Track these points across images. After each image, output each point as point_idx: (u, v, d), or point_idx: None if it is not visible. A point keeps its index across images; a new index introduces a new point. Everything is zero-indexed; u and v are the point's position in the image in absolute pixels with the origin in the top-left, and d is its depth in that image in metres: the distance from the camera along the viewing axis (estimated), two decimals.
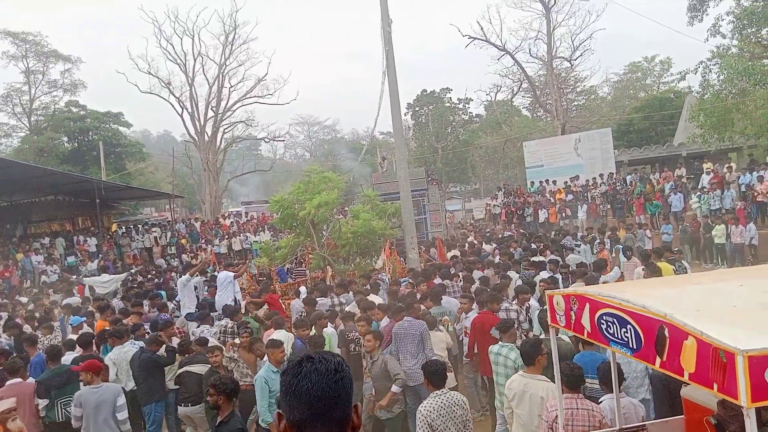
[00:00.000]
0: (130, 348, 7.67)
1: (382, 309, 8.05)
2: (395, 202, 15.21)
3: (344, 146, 57.42)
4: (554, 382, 4.37)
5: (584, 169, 26.82)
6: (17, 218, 26.91)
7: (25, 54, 38.14)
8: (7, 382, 6.44)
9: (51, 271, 20.76)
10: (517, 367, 5.70)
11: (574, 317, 3.63)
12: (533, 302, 8.12)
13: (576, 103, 45.35)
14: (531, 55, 35.80)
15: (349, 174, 28.54)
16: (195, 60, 37.90)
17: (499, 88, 43.05)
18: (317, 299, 9.23)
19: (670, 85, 44.35)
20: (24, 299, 15.21)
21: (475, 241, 17.97)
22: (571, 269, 10.24)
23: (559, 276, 9.65)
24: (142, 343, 7.75)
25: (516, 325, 6.86)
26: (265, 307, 9.61)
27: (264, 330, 8.35)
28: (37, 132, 37.65)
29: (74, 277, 18.37)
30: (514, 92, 42.64)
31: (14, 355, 7.96)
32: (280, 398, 1.59)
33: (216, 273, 13.66)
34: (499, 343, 6.07)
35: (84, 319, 9.86)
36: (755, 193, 16.68)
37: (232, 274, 11.55)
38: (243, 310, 9.71)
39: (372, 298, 9.10)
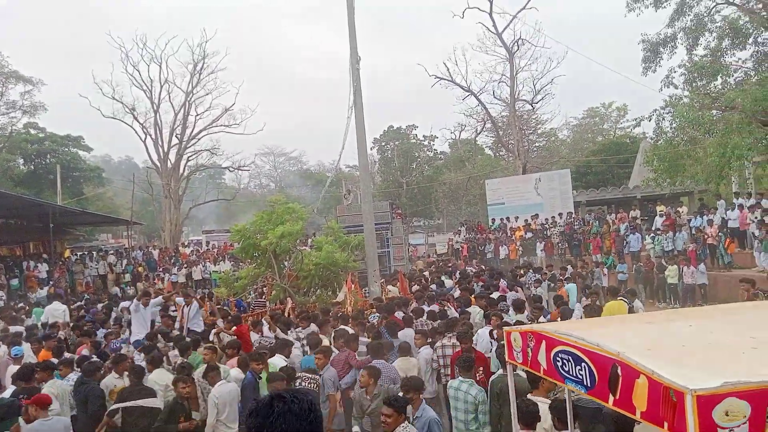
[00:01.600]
0: (62, 383, 7.32)
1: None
2: (359, 234, 15.22)
3: (310, 178, 57.41)
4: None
5: (543, 208, 27.46)
6: None
7: None
8: None
9: None
10: (477, 403, 5.69)
11: (531, 354, 3.67)
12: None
13: (537, 144, 46.71)
14: (495, 97, 36.94)
15: (313, 205, 28.46)
16: (161, 87, 37.64)
17: (463, 126, 44.16)
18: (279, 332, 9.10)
19: (626, 130, 46.28)
20: None
21: (426, 274, 18.09)
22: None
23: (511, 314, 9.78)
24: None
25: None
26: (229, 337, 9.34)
27: (227, 359, 8.12)
28: None
29: (21, 304, 17.54)
30: (478, 131, 43.74)
31: None
32: None
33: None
34: (459, 378, 6.05)
35: (23, 351, 9.37)
36: (705, 236, 17.36)
37: (155, 301, 11.29)
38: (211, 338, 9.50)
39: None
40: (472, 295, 11.81)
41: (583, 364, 3.03)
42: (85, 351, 9.19)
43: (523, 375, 6.04)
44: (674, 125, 18.34)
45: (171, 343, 9.20)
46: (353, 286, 12.83)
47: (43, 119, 39.90)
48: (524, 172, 32.73)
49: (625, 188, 28.71)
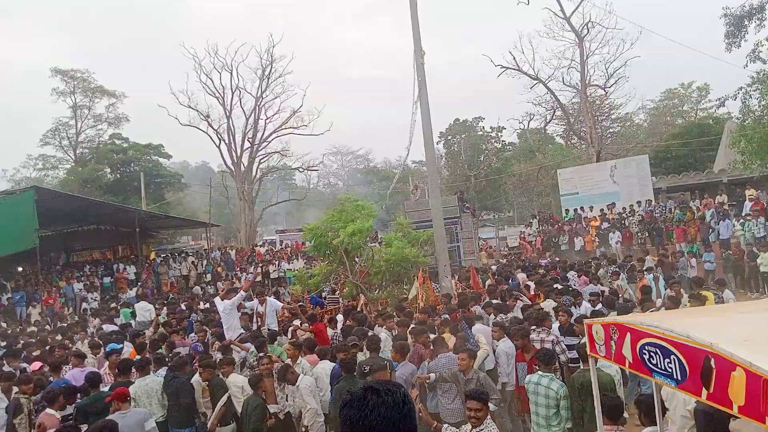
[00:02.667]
0: (153, 379, 7.64)
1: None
2: (428, 229, 15.18)
3: (376, 175, 57.86)
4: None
5: (620, 197, 26.34)
6: (60, 247, 27.84)
7: (73, 90, 40.00)
8: (45, 411, 6.61)
9: (91, 298, 21.31)
10: (558, 398, 5.56)
11: (614, 347, 3.54)
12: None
13: (611, 130, 44.86)
14: (564, 84, 35.76)
15: (381, 202, 28.68)
16: (233, 93, 39.12)
17: (532, 116, 43.00)
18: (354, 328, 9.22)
19: (709, 111, 43.52)
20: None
21: (493, 267, 17.87)
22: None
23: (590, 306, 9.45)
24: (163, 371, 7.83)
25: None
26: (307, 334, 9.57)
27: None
28: (82, 164, 39.18)
29: (114, 304, 18.77)
30: (547, 120, 42.48)
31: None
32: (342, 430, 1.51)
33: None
34: (538, 372, 5.92)
35: (120, 346, 10.04)
36: None
37: (234, 300, 11.57)
38: (289, 335, 9.82)
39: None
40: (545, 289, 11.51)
41: (672, 356, 2.89)
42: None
43: (605, 369, 5.85)
44: (763, 103, 17.09)
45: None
46: (424, 281, 12.84)
47: (127, 130, 42.62)
48: (598, 160, 31.52)
49: (709, 172, 27.00)
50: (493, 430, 4.80)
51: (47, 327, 16.04)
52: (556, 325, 8.44)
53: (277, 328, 11.02)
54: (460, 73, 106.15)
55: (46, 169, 41.64)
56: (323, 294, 14.73)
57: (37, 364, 9.38)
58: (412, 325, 8.49)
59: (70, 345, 11.35)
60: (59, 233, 28.24)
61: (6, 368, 9.16)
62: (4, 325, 17.45)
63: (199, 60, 38.26)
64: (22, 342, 12.81)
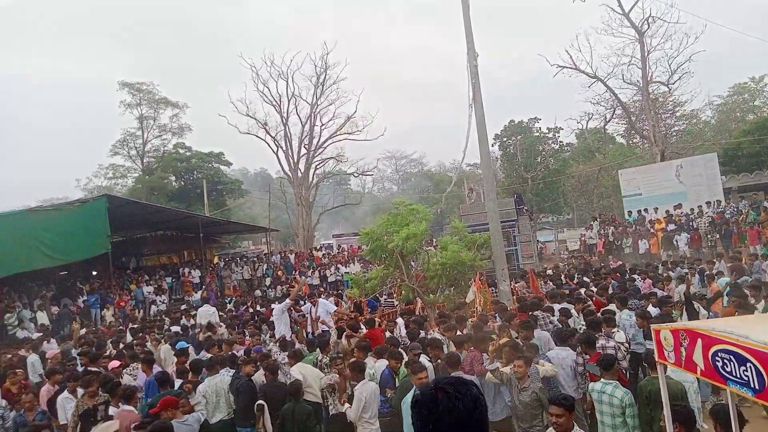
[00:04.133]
0: (220, 378, 7.87)
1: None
2: (484, 233, 15.03)
3: (431, 179, 57.73)
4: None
5: (687, 197, 25.25)
6: (131, 252, 29.23)
7: (140, 102, 41.96)
8: (120, 407, 6.96)
9: (160, 301, 22.27)
10: (624, 406, 5.39)
11: (684, 354, 3.42)
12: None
13: (676, 128, 43.00)
14: (624, 81, 34.55)
15: (436, 206, 28.58)
16: (289, 101, 39.99)
17: (590, 115, 41.76)
18: (418, 332, 9.27)
19: None
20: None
21: (550, 272, 17.47)
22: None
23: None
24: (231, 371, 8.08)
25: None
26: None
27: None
28: (149, 172, 41.03)
29: (183, 306, 19.51)
30: (607, 119, 41.14)
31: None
32: (414, 429, 1.52)
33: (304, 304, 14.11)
34: (602, 380, 5.76)
35: (188, 345, 10.47)
36: None
37: (282, 305, 11.88)
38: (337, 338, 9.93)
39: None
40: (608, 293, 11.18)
41: (748, 364, 2.77)
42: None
43: (674, 377, 5.63)
44: None
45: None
46: (481, 285, 12.71)
47: (189, 139, 44.30)
48: (662, 159, 30.30)
49: None
50: None
51: (120, 328, 16.87)
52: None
53: (329, 330, 11.13)
54: (515, 74, 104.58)
55: (116, 178, 43.78)
56: (382, 298, 14.82)
57: (115, 363, 9.89)
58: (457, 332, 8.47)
59: (145, 344, 11.84)
60: (129, 239, 29.67)
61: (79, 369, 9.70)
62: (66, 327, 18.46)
63: (256, 69, 39.38)
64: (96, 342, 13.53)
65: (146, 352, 10.35)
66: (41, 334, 15.55)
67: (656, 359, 3.90)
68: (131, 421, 6.59)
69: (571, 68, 34.02)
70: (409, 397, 6.11)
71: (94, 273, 24.21)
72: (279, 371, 8.01)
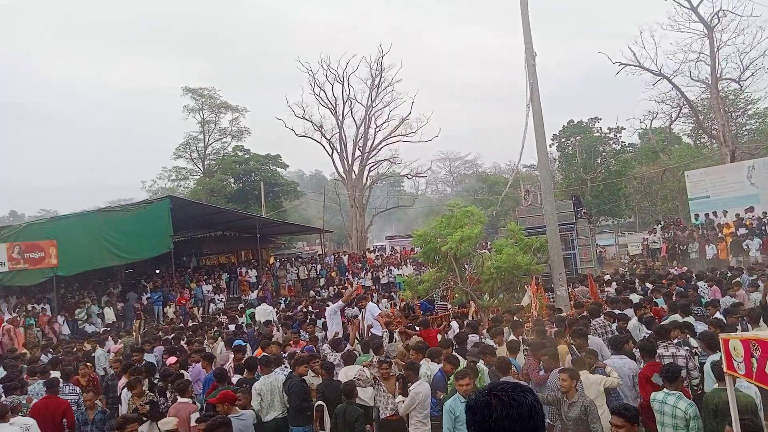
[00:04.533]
0: (275, 377, 7.95)
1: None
2: (541, 236, 14.67)
3: (485, 180, 56.98)
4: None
5: (760, 200, 23.82)
6: (191, 251, 30.29)
7: (201, 107, 43.46)
8: (178, 400, 7.18)
9: (218, 299, 22.96)
10: (687, 418, 5.11)
11: (756, 365, 3.19)
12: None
13: (747, 127, 40.73)
14: (692, 78, 32.91)
15: (491, 208, 28.18)
16: (344, 104, 40.47)
17: (654, 114, 40.04)
18: (468, 335, 9.16)
19: None
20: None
21: (607, 277, 16.86)
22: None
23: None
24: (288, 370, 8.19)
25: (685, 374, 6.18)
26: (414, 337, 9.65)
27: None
28: (209, 174, 42.44)
29: (240, 305, 20.03)
30: (673, 118, 39.37)
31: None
32: None
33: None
34: (664, 390, 5.49)
35: (245, 344, 10.72)
36: None
37: (336, 306, 11.97)
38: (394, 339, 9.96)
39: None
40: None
41: None
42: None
43: (745, 390, 5.29)
44: None
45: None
46: (537, 289, 12.42)
47: (248, 142, 45.52)
48: (732, 160, 28.70)
49: None
50: None
51: (181, 325, 17.49)
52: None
53: (380, 334, 11.14)
54: (574, 73, 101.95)
55: (179, 180, 45.51)
56: (435, 299, 14.73)
57: (172, 359, 10.23)
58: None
59: (204, 342, 12.19)
60: (190, 239, 30.76)
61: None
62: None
63: (313, 73, 40.05)
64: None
65: (200, 349, 10.67)
66: (108, 329, 16.34)
67: (724, 370, 3.67)
68: (190, 412, 6.78)
69: (634, 66, 32.77)
70: (450, 402, 6.03)
71: (157, 271, 25.21)
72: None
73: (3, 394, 8.12)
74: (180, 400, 7.13)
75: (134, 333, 14.69)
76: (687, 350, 7.07)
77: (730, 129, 32.24)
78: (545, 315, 10.76)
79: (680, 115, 38.48)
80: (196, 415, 6.56)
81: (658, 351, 6.91)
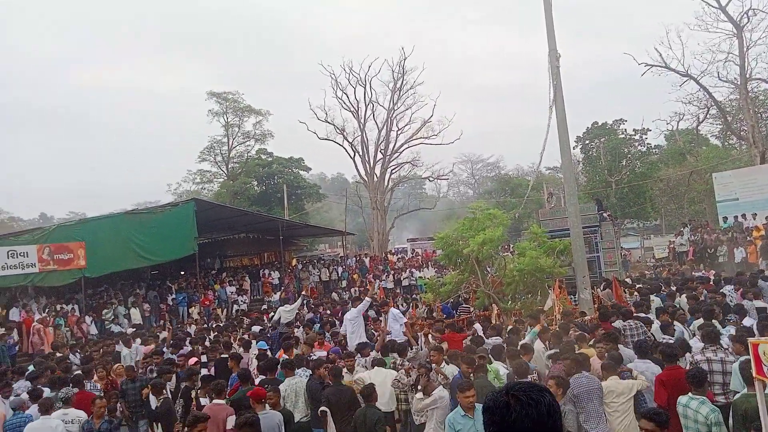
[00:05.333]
0: (299, 379, 8.05)
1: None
2: (564, 239, 14.52)
3: (508, 183, 56.59)
4: None
5: None
6: (215, 253, 30.67)
7: (225, 111, 43.96)
8: (213, 401, 7.27)
9: (241, 300, 23.19)
10: (709, 424, 5.04)
11: None
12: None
13: None
14: (720, 79, 32.23)
15: (514, 211, 27.97)
16: (366, 107, 40.61)
17: (681, 116, 39.32)
18: (492, 338, 9.15)
19: None
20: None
21: (628, 280, 16.61)
22: None
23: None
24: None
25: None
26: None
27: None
28: (233, 177, 42.93)
29: (264, 306, 20.20)
30: (700, 120, 38.62)
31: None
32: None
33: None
34: (689, 394, 5.41)
35: (267, 346, 10.83)
36: None
37: (357, 310, 11.88)
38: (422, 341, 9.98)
39: None
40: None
41: None
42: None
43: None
44: None
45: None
46: (560, 292, 12.30)
47: (271, 145, 45.89)
48: (763, 162, 28.05)
49: None
50: None
51: (205, 326, 17.71)
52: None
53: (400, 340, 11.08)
54: (599, 74, 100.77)
55: (203, 183, 46.08)
56: (458, 302, 14.67)
57: (193, 359, 10.38)
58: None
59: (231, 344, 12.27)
60: (214, 241, 31.15)
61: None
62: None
63: (335, 77, 40.27)
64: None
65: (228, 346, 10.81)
66: (134, 330, 16.61)
67: (754, 375, 3.61)
68: (227, 414, 6.80)
69: (660, 66, 32.27)
70: (452, 416, 5.99)
71: (182, 273, 25.57)
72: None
73: (49, 389, 8.43)
74: (216, 401, 7.21)
75: (168, 336, 14.69)
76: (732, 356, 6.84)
77: (760, 130, 31.48)
78: (562, 320, 10.66)
79: (708, 116, 37.76)
80: (233, 418, 6.56)
81: (707, 355, 6.75)
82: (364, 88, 40.32)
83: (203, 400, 8.00)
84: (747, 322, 8.81)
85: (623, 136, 43.86)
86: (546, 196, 31.49)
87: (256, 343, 11.52)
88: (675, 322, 9.18)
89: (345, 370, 8.21)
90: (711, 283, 14.25)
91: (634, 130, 43.80)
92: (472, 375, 7.02)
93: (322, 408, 7.35)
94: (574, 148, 39.56)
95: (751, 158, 29.80)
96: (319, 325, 15.25)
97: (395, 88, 40.60)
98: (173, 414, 8.19)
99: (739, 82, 30.79)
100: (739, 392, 5.64)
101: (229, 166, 44.98)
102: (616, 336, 7.86)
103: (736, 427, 5.28)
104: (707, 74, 32.22)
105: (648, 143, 44.53)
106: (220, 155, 45.20)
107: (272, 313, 17.55)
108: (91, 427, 7.36)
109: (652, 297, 12.24)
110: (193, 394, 8.69)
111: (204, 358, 10.79)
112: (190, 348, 11.98)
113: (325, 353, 9.94)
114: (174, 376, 9.57)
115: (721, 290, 12.52)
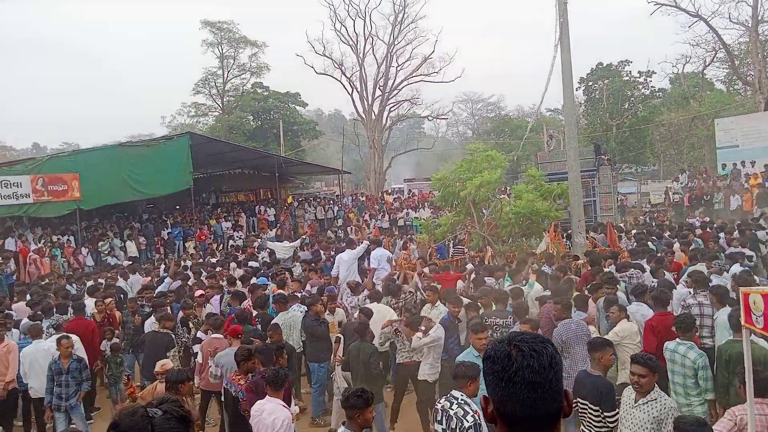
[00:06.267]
0: (293, 313, 8.24)
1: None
2: (562, 183, 14.45)
3: (508, 124, 55.90)
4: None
5: None
6: (211, 188, 30.54)
7: (220, 41, 42.59)
8: (211, 335, 7.41)
9: (237, 236, 23.30)
10: (696, 368, 5.15)
11: None
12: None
13: None
14: (731, 21, 31.27)
15: (512, 153, 27.71)
16: (366, 41, 39.49)
17: (688, 58, 38.43)
18: (485, 278, 9.22)
19: None
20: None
21: (621, 225, 16.72)
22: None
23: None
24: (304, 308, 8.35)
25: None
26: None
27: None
28: (228, 111, 42.14)
29: (258, 241, 20.28)
30: (707, 63, 37.78)
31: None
32: (485, 382, 1.49)
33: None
34: (676, 340, 5.50)
35: (266, 282, 10.93)
36: None
37: (353, 254, 11.87)
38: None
39: None
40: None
41: None
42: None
43: (761, 342, 5.27)
44: None
45: None
46: (555, 236, 12.34)
47: (268, 79, 44.81)
48: (766, 109, 27.68)
49: None
50: (666, 402, 4.47)
51: (201, 260, 17.84)
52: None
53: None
54: (606, 12, 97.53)
55: (198, 116, 45.26)
56: (450, 244, 14.73)
57: (199, 291, 10.52)
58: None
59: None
60: (210, 175, 30.92)
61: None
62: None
63: (334, 8, 38.94)
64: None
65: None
66: (130, 262, 16.73)
67: (742, 323, 3.63)
68: (215, 348, 6.87)
69: (670, 6, 31.22)
70: (462, 357, 5.87)
71: (177, 207, 25.54)
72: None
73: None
74: (214, 335, 7.33)
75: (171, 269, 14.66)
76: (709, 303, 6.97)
77: (767, 76, 30.88)
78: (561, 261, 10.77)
79: (715, 59, 36.91)
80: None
81: (698, 299, 6.92)
82: (364, 20, 39.14)
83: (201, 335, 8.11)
84: (735, 269, 8.90)
85: (627, 78, 42.95)
86: (546, 139, 31.16)
87: (257, 279, 11.62)
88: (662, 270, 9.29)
89: (327, 312, 8.37)
90: (708, 231, 14.29)
91: (639, 72, 42.86)
92: (466, 314, 7.16)
93: (338, 335, 7.63)
94: (576, 90, 38.82)
95: (756, 104, 29.37)
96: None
97: (396, 22, 39.39)
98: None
99: (750, 24, 29.90)
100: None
101: (225, 100, 44.07)
102: (617, 280, 8.06)
103: (719, 371, 5.41)
104: (718, 15, 31.30)
105: (652, 86, 43.69)
106: (215, 88, 44.19)
107: (260, 250, 17.60)
108: (59, 367, 7.13)
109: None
110: (191, 325, 8.85)
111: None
112: (194, 280, 12.19)
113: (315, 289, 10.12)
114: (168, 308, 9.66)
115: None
